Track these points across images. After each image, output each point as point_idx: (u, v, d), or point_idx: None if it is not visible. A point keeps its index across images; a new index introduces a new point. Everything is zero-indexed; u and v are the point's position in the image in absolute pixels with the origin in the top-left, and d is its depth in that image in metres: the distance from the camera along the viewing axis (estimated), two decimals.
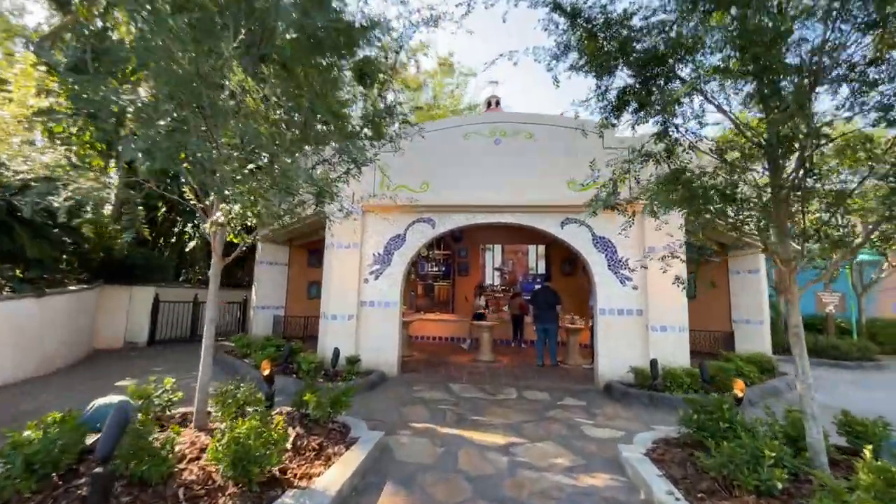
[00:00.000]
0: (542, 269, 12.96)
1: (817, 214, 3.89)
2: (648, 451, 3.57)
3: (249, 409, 3.82)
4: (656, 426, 4.53)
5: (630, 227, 6.49)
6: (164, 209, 11.31)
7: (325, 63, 3.47)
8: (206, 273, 13.72)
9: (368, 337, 6.99)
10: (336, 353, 6.18)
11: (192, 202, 4.04)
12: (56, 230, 7.35)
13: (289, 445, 3.33)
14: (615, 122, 4.38)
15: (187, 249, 12.71)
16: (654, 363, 5.80)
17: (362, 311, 7.06)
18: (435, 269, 13.29)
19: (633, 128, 4.91)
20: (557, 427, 4.60)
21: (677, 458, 3.37)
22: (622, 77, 3.93)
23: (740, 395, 3.88)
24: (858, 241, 3.44)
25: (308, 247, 11.44)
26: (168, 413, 3.93)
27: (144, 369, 7.05)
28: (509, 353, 9.75)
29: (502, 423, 4.72)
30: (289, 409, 4.12)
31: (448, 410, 5.11)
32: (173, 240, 12.98)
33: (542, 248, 12.98)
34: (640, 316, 6.56)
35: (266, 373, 4.28)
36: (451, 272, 13.14)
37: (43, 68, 7.01)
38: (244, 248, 4.22)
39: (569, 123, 6.98)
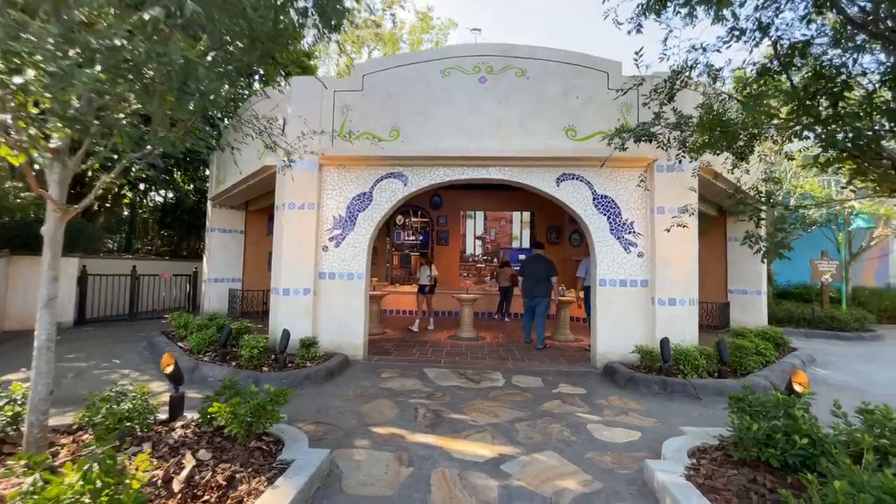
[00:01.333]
0: (526, 238, 11.92)
1: None
2: (690, 471, 2.58)
3: (135, 426, 2.64)
4: (683, 426, 3.58)
5: (643, 182, 5.46)
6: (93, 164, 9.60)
7: None
8: (161, 243, 12.17)
9: (329, 315, 5.81)
10: (285, 335, 4.99)
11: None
12: None
13: (176, 486, 2.18)
14: (657, 16, 3.15)
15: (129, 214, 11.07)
16: (665, 343, 4.85)
17: (321, 285, 5.85)
18: (412, 237, 12.09)
19: (665, 56, 3.76)
20: (558, 428, 3.59)
21: (734, 485, 2.39)
22: None
23: (802, 391, 2.91)
24: None
25: (268, 211, 10.00)
26: (11, 431, 2.70)
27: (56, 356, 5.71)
28: (493, 328, 8.76)
29: (489, 422, 3.68)
30: (199, 418, 2.95)
31: (421, 406, 4.04)
32: (120, 206, 11.29)
33: (526, 214, 11.91)
34: (646, 287, 5.57)
35: (168, 370, 3.08)
36: (429, 241, 11.96)
37: None
38: (104, 194, 2.90)
39: (568, 58, 5.72)
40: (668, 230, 5.07)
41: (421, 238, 12.06)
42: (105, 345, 6.53)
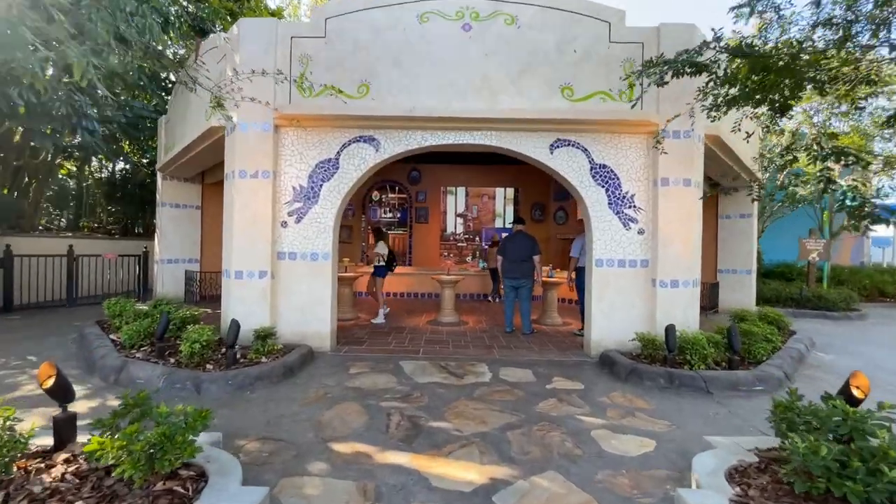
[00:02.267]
0: (510, 216, 11.25)
1: None
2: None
3: None
4: (702, 430, 3.01)
5: (659, 145, 4.75)
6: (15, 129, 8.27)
7: None
8: (112, 220, 10.97)
9: (289, 301, 5.01)
10: (234, 326, 4.19)
11: None
12: None
13: None
14: None
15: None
16: (670, 331, 4.28)
17: (280, 266, 5.02)
18: (389, 215, 11.25)
19: None
20: (558, 437, 2.97)
21: None
22: None
23: (862, 396, 2.35)
24: None
25: None
26: None
27: None
28: (476, 311, 8.13)
29: (476, 431, 3.04)
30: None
31: (395, 411, 3.36)
32: (53, 177, 9.96)
33: (510, 191, 11.21)
34: (646, 268, 4.98)
35: (48, 383, 2.27)
36: (408, 219, 11.15)
37: None
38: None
39: (565, 4, 4.91)
40: (671, 205, 4.45)
41: (399, 215, 11.24)
42: (30, 337, 5.57)
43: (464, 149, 5.28)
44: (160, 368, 3.91)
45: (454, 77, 4.91)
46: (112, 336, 4.99)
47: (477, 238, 11.16)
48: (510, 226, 11.11)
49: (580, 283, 6.09)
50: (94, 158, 10.07)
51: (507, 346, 5.40)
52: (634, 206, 5.00)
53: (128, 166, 10.30)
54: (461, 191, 11.18)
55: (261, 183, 4.90)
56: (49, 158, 8.70)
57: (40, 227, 9.97)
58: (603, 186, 5.01)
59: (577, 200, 5.31)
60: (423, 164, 10.89)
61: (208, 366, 4.05)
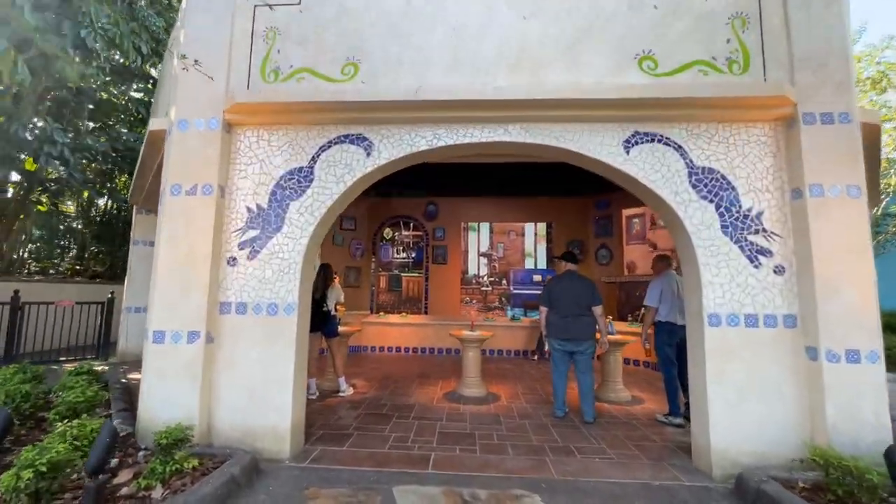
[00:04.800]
0: (542, 255, 9.40)
1: None
2: None
3: None
4: None
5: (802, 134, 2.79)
6: None
7: None
8: (94, 262, 9.69)
9: (233, 377, 3.23)
10: (103, 437, 2.37)
11: None
12: None
13: None
14: None
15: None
16: (892, 453, 2.25)
17: (221, 324, 3.29)
18: (402, 255, 9.60)
19: None
20: None
21: None
22: None
23: None
24: None
25: None
26: None
27: None
28: (512, 376, 6.12)
29: None
30: None
31: None
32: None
33: (542, 226, 9.44)
34: (793, 328, 3.01)
35: None
36: (423, 259, 9.46)
37: None
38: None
39: None
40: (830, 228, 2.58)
41: (413, 255, 9.57)
42: None
43: (493, 152, 3.60)
44: None
45: (477, 48, 3.33)
46: None
47: (503, 281, 9.31)
48: (543, 268, 9.25)
49: (661, 343, 4.11)
50: (81, 194, 8.96)
51: (565, 449, 3.39)
52: (763, 231, 3.12)
53: (115, 203, 9.17)
54: (484, 227, 9.51)
55: (200, 202, 3.30)
56: (21, 192, 7.55)
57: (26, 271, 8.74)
58: (711, 200, 3.17)
59: (667, 225, 3.47)
60: (441, 196, 9.35)
61: None
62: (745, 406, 2.95)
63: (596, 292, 4.24)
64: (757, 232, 3.12)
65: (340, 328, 5.04)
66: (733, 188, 3.17)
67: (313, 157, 3.42)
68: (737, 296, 3.07)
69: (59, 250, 10.58)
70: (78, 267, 9.27)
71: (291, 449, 3.14)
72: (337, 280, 5.07)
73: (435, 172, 8.99)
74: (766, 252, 3.09)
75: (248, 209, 3.40)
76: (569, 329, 4.19)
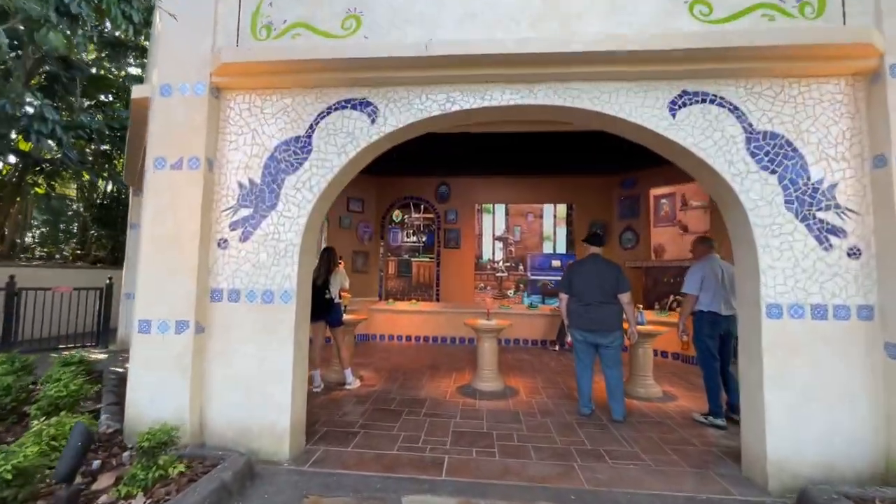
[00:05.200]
0: (561, 238, 9.00)
1: None
2: None
3: None
4: None
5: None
6: None
7: None
8: (96, 246, 9.63)
9: (226, 371, 3.00)
10: (74, 440, 2.14)
11: None
12: None
13: None
14: None
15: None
16: None
17: (212, 313, 3.04)
18: (412, 239, 9.30)
19: None
20: None
21: None
22: None
23: None
24: None
25: None
26: None
27: None
28: (530, 368, 5.82)
29: None
30: None
31: None
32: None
33: (562, 207, 9.01)
34: (869, 321, 2.62)
35: None
36: (435, 244, 9.15)
37: None
38: None
39: None
40: None
41: (424, 239, 9.26)
42: None
43: (515, 119, 3.22)
44: None
45: None
46: None
47: (520, 266, 8.96)
48: (562, 252, 8.86)
49: (702, 335, 3.76)
50: (81, 176, 8.82)
51: (594, 453, 3.10)
52: (836, 206, 2.70)
53: (116, 186, 9.02)
54: (500, 209, 9.12)
55: (186, 177, 3.01)
56: (16, 174, 7.42)
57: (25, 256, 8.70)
58: (773, 171, 2.76)
59: (718, 201, 3.06)
60: (453, 176, 8.97)
61: None
62: (809, 410, 2.60)
63: (622, 278, 3.85)
64: (828, 208, 2.70)
65: (345, 317, 4.79)
66: (800, 156, 2.75)
67: (311, 125, 3.09)
68: (801, 283, 2.68)
69: (62, 235, 10.56)
70: (79, 252, 9.21)
71: (291, 450, 2.91)
72: (342, 265, 4.80)
73: (447, 150, 8.60)
74: (838, 231, 2.69)
75: (240, 185, 3.11)
76: (592, 318, 3.84)
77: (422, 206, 9.25)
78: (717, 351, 3.74)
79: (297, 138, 3.09)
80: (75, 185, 9.50)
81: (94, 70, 7.70)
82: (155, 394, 2.88)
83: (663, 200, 7.97)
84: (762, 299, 2.69)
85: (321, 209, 3.18)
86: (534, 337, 7.43)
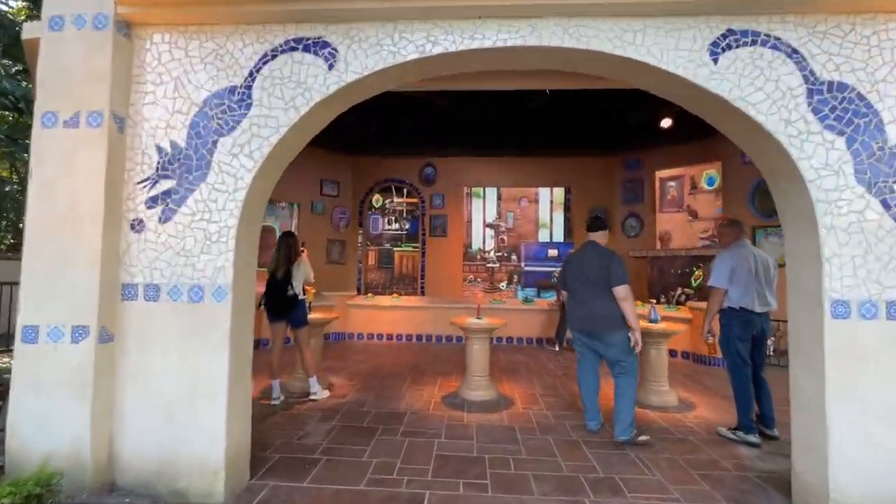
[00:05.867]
0: (559, 225, 8.52)
1: None
2: None
3: None
4: None
5: None
6: None
7: None
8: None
9: (142, 392, 2.41)
10: None
11: None
12: None
13: None
14: None
15: None
16: None
17: (124, 315, 2.44)
18: (395, 226, 8.73)
19: None
20: None
21: None
22: None
23: None
24: None
25: None
26: None
27: None
28: (525, 370, 5.33)
29: None
30: None
31: None
32: None
33: (559, 191, 8.52)
34: None
35: None
36: (419, 231, 8.60)
37: None
38: None
39: None
40: None
41: (408, 227, 8.68)
42: None
43: (512, 68, 2.66)
44: None
45: None
46: None
47: (513, 256, 8.46)
48: (560, 241, 8.38)
49: (731, 337, 3.29)
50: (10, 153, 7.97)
51: (609, 483, 2.61)
52: None
53: None
54: (491, 193, 8.57)
55: (85, 137, 2.38)
56: None
57: None
58: (841, 132, 2.26)
59: (766, 172, 2.55)
60: (440, 156, 8.38)
61: None
62: (887, 434, 2.14)
63: (615, 267, 3.22)
64: None
65: (311, 315, 4.21)
66: (875, 114, 2.25)
67: (251, 72, 2.48)
68: (875, 274, 2.20)
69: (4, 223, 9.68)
70: (13, 241, 8.40)
71: (228, 489, 2.35)
72: (305, 254, 4.21)
73: (433, 125, 8.02)
74: None
75: (160, 149, 2.49)
76: (583, 318, 3.33)
77: (405, 190, 8.65)
78: (748, 354, 3.28)
79: (233, 90, 2.48)
80: (9, 165, 8.64)
81: (18, 29, 6.86)
82: (45, 421, 2.29)
83: (670, 183, 7.54)
84: (825, 294, 2.20)
85: (265, 182, 2.59)
86: (529, 335, 6.96)
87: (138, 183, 2.48)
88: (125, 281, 2.45)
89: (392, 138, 8.10)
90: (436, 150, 8.25)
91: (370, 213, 8.71)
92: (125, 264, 2.45)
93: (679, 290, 6.97)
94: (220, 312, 2.40)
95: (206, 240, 2.43)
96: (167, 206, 2.46)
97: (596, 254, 3.33)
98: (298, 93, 2.45)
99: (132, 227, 2.47)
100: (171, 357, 2.40)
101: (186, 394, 2.38)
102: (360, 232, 8.60)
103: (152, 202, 2.47)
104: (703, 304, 5.93)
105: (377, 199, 8.72)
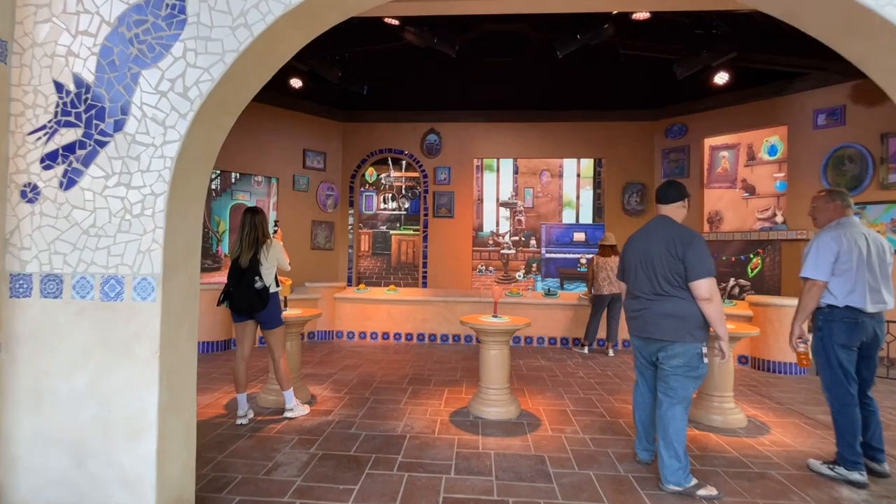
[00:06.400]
0: (587, 203, 7.99)
1: None
2: None
3: None
4: None
5: None
6: None
7: None
8: None
9: (40, 422, 1.93)
10: None
11: None
12: None
13: None
14: None
15: None
16: None
17: (13, 318, 1.95)
18: (392, 205, 8.23)
19: None
20: None
21: None
22: None
23: None
24: None
25: None
26: None
27: None
28: (553, 381, 4.85)
29: None
30: None
31: None
32: None
33: (587, 163, 7.97)
34: None
35: None
36: (420, 211, 8.09)
37: None
38: None
39: None
40: None
41: (407, 206, 8.17)
42: None
43: None
44: None
45: None
46: None
47: (532, 240, 7.94)
48: (586, 222, 7.85)
49: (832, 345, 2.79)
50: None
51: None
52: None
53: None
54: (506, 165, 8.00)
55: None
56: None
57: None
58: None
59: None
60: (446, 121, 7.81)
61: None
62: None
63: (694, 252, 2.56)
64: None
65: (286, 313, 3.73)
66: None
67: None
68: None
69: None
70: None
71: None
72: (278, 236, 3.71)
73: (437, 83, 7.46)
74: None
75: (59, 86, 1.97)
76: (641, 320, 2.76)
77: (403, 162, 8.11)
78: (855, 368, 2.77)
79: (160, 1, 1.95)
80: None
81: None
82: None
83: (722, 153, 7.00)
84: None
85: (210, 133, 2.07)
86: (552, 334, 6.48)
87: (30, 133, 1.97)
88: (14, 270, 1.95)
89: (388, 99, 7.57)
90: (440, 114, 7.73)
91: (362, 189, 8.19)
92: (13, 247, 1.96)
93: (732, 282, 6.48)
94: (146, 314, 1.91)
95: (126, 213, 1.93)
96: (70, 165, 1.95)
97: (668, 234, 2.69)
98: (252, 4, 1.91)
99: (23, 194, 1.97)
100: (78, 377, 1.92)
101: (100, 428, 1.90)
102: (351, 212, 8.10)
103: (50, 160, 1.96)
104: (764, 299, 5.47)
105: (371, 173, 8.19)
